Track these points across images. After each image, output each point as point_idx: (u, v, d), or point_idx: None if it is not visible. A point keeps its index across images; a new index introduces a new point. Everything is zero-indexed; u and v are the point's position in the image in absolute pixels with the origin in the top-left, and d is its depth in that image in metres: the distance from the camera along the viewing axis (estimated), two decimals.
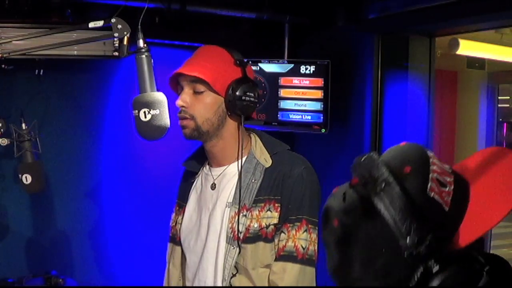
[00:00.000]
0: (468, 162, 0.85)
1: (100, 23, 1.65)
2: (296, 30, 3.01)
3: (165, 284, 1.80)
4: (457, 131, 4.76)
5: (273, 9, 2.81)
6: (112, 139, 2.85)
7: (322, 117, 2.81)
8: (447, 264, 0.68)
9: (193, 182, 1.71)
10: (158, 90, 1.56)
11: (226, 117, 1.56)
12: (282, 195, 1.51)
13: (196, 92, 1.55)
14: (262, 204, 1.52)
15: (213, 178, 1.63)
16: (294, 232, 1.49)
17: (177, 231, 1.72)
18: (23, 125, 2.11)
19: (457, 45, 3.79)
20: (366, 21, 2.69)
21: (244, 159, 1.58)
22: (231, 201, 1.55)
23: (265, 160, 1.57)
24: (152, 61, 1.59)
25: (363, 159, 0.78)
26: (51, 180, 2.61)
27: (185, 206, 1.69)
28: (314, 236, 1.52)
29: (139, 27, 1.58)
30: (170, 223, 1.78)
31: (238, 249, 1.51)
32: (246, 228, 1.51)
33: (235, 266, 1.52)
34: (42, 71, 2.45)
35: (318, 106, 2.82)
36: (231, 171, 1.59)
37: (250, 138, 1.63)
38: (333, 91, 2.79)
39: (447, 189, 0.74)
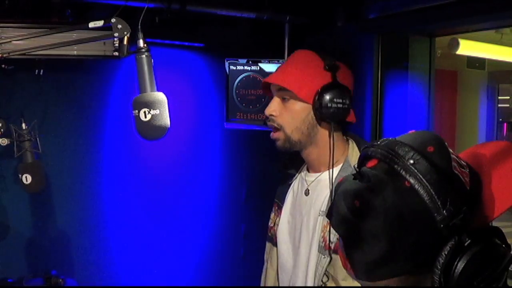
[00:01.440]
0: (479, 150, 0.86)
1: (100, 23, 1.66)
2: (296, 30, 3.01)
3: (262, 283, 1.78)
4: (457, 131, 4.76)
5: (273, 9, 2.81)
6: (112, 139, 2.85)
7: None
8: (477, 239, 0.69)
9: (291, 184, 1.69)
10: (158, 90, 1.56)
11: (317, 125, 1.53)
12: None
13: (284, 100, 1.53)
14: None
15: (307, 184, 1.60)
16: None
17: (275, 232, 1.69)
18: (23, 125, 2.11)
19: (457, 45, 3.79)
20: (366, 21, 2.69)
21: (340, 166, 1.54)
22: (324, 209, 1.52)
23: None
24: (152, 61, 1.59)
25: (380, 142, 0.78)
26: (51, 180, 2.61)
27: (283, 207, 1.67)
28: None
29: (139, 27, 1.58)
30: (269, 223, 1.75)
31: (329, 258, 1.47)
32: (337, 239, 1.47)
33: (326, 275, 1.49)
34: (42, 71, 2.44)
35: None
36: (326, 178, 1.54)
37: (348, 144, 1.59)
38: None
39: (465, 170, 0.75)
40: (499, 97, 5.14)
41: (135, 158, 2.92)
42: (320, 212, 1.53)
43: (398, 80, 2.79)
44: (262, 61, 2.92)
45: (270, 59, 2.91)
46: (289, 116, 1.52)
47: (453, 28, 2.90)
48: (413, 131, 0.82)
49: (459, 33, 3.41)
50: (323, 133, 1.54)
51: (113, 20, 1.61)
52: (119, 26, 1.61)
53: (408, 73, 2.78)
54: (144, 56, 1.56)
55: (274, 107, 1.54)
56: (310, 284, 1.52)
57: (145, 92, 1.54)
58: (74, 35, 2.06)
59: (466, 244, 0.68)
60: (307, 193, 1.59)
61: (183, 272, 3.07)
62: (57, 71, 2.59)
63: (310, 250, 1.54)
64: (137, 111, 1.52)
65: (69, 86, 2.72)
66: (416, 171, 0.71)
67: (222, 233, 3.16)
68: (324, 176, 1.56)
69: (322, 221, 1.51)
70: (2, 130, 2.05)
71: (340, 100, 1.50)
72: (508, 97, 5.30)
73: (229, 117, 2.82)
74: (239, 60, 2.80)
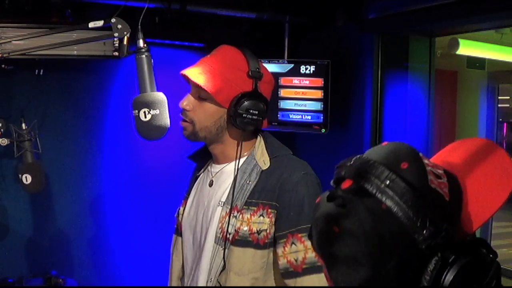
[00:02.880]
0: (450, 154, 0.85)
1: (100, 23, 1.66)
2: (296, 30, 3.01)
3: (169, 275, 1.78)
4: (457, 131, 4.76)
5: (273, 9, 2.81)
6: (112, 139, 2.85)
7: (322, 117, 2.81)
8: (461, 254, 0.68)
9: (198, 177, 1.70)
10: (158, 90, 1.56)
11: (226, 128, 1.53)
12: (280, 201, 1.46)
13: (200, 98, 1.53)
14: (255, 208, 1.48)
15: (212, 175, 1.62)
16: (287, 248, 1.44)
17: (180, 223, 1.71)
18: (23, 125, 2.12)
19: (457, 45, 3.79)
20: (366, 21, 2.69)
21: (244, 159, 1.55)
22: (224, 200, 1.53)
23: (264, 162, 1.52)
24: (152, 61, 1.59)
25: (351, 162, 0.77)
26: (51, 180, 2.61)
27: (188, 198, 1.69)
28: (308, 243, 1.43)
29: (139, 27, 1.58)
30: (175, 214, 1.75)
31: (224, 249, 1.47)
32: (235, 230, 1.47)
33: (222, 267, 1.48)
34: (42, 71, 2.45)
35: (318, 106, 2.82)
36: (229, 170, 1.56)
37: (256, 139, 1.60)
38: (333, 91, 2.79)
39: (442, 180, 0.74)
40: (499, 97, 5.14)
41: (135, 158, 2.92)
42: (220, 202, 1.53)
43: (398, 80, 2.79)
44: (262, 61, 2.91)
45: (270, 59, 2.91)
46: (202, 115, 1.52)
47: (453, 28, 2.90)
48: (386, 143, 0.80)
49: (459, 33, 3.41)
50: (230, 134, 1.56)
51: (113, 20, 1.61)
52: (119, 26, 1.61)
53: (408, 73, 2.78)
54: (144, 56, 1.56)
55: (188, 102, 1.54)
56: (204, 275, 1.51)
57: (145, 92, 1.54)
58: (74, 35, 2.06)
59: (450, 260, 0.67)
60: (211, 184, 1.60)
61: None
62: (57, 71, 2.59)
63: (206, 240, 1.53)
64: (137, 111, 1.52)
65: (69, 86, 2.72)
66: (392, 193, 0.70)
67: None
68: (228, 168, 1.57)
69: (221, 211, 1.51)
70: (2, 130, 2.05)
71: (256, 112, 1.49)
72: (508, 97, 5.29)
73: None
74: None
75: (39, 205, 2.66)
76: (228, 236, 1.47)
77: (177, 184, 3.07)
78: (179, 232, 1.72)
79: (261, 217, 1.46)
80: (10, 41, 1.94)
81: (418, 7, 2.38)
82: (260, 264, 1.47)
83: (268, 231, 1.46)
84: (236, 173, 1.51)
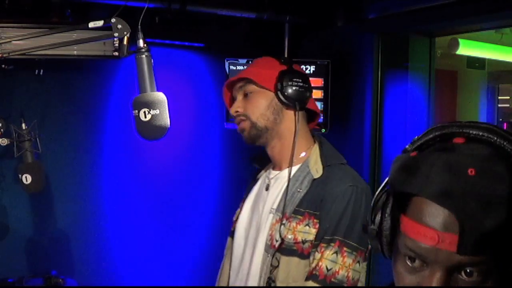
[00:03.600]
0: None
1: (100, 23, 1.65)
2: (296, 30, 3.01)
3: (218, 276, 1.78)
4: None
5: (273, 9, 2.81)
6: (112, 139, 2.85)
7: (322, 117, 2.81)
8: None
9: (257, 180, 1.70)
10: (158, 90, 1.56)
11: (282, 109, 1.55)
12: (322, 211, 1.44)
13: (246, 95, 1.57)
14: (301, 217, 1.46)
15: (268, 179, 1.62)
16: (326, 252, 1.41)
17: (235, 226, 1.70)
18: (23, 125, 2.11)
19: (457, 45, 3.79)
20: (366, 21, 2.69)
21: (298, 166, 1.54)
22: (275, 207, 1.53)
23: (316, 170, 1.50)
24: (152, 61, 1.59)
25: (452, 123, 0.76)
26: (51, 180, 2.61)
27: (245, 202, 1.69)
28: (348, 261, 1.40)
29: (139, 27, 1.58)
30: (233, 217, 1.75)
31: (272, 257, 1.47)
32: (282, 238, 1.46)
33: (271, 276, 1.48)
34: (42, 71, 2.45)
35: (318, 106, 2.82)
36: (284, 175, 1.55)
37: (314, 145, 1.59)
38: (333, 91, 2.79)
39: None
40: (499, 97, 5.14)
41: (135, 158, 2.92)
42: (271, 210, 1.53)
43: (398, 80, 2.79)
44: None
45: None
46: (253, 106, 1.56)
47: (453, 28, 2.90)
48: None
49: (459, 33, 3.41)
50: (287, 122, 1.56)
51: (113, 20, 1.61)
52: (119, 26, 1.61)
53: (408, 73, 2.78)
54: (144, 56, 1.56)
55: (238, 104, 1.59)
56: (254, 282, 1.50)
57: (145, 92, 1.54)
58: (74, 35, 2.06)
59: None
60: (267, 188, 1.61)
61: (183, 272, 3.07)
62: (57, 71, 2.59)
63: (255, 246, 1.54)
64: (137, 111, 1.52)
65: (69, 86, 2.72)
66: None
67: (222, 233, 3.15)
68: (284, 173, 1.57)
69: (272, 218, 1.51)
70: (2, 130, 2.05)
71: (299, 80, 1.53)
72: (508, 97, 5.30)
73: (229, 117, 2.82)
74: (239, 60, 2.80)
75: (39, 205, 2.66)
76: (275, 244, 1.47)
77: (178, 184, 3.08)
78: (233, 235, 1.71)
79: (307, 227, 1.45)
80: (10, 41, 1.93)
81: (418, 7, 2.38)
82: (303, 273, 1.45)
83: (312, 241, 1.44)
84: (289, 176, 1.51)
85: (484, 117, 4.92)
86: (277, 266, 1.46)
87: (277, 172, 1.59)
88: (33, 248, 2.66)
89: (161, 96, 1.55)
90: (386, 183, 0.82)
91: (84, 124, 2.78)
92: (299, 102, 1.53)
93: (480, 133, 0.73)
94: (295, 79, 1.52)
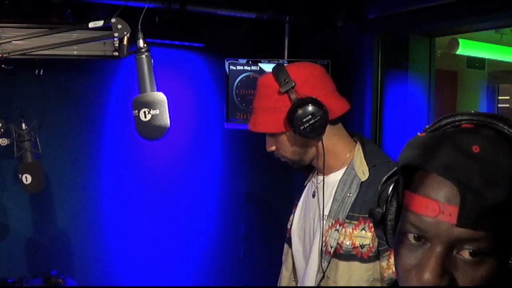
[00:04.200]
0: None
1: (100, 23, 1.66)
2: (296, 30, 3.01)
3: (277, 284, 1.79)
4: None
5: (273, 9, 2.81)
6: (112, 139, 2.85)
7: None
8: None
9: (306, 186, 1.71)
10: (158, 90, 1.56)
11: (306, 141, 1.54)
12: None
13: (272, 135, 1.58)
14: (356, 222, 1.46)
15: (314, 186, 1.62)
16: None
17: (290, 233, 1.71)
18: (23, 125, 2.11)
19: (457, 45, 3.79)
20: (366, 21, 2.69)
21: (344, 169, 1.54)
22: (326, 213, 1.53)
23: (363, 172, 1.50)
24: (152, 61, 1.59)
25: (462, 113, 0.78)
26: (51, 180, 2.61)
27: (296, 209, 1.70)
28: None
29: (139, 27, 1.58)
30: (288, 224, 1.76)
31: (327, 263, 1.48)
32: (338, 244, 1.46)
33: (326, 278, 1.49)
34: (42, 71, 2.45)
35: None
36: (331, 180, 1.56)
37: (356, 145, 1.58)
38: None
39: None
40: (499, 97, 5.14)
41: (135, 158, 2.92)
42: (324, 216, 1.53)
43: (398, 80, 2.79)
44: (262, 61, 2.92)
45: (270, 59, 2.91)
46: (282, 146, 1.57)
47: (453, 28, 2.90)
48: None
49: (459, 33, 3.41)
50: (316, 144, 1.56)
51: (113, 20, 1.61)
52: (119, 26, 1.61)
53: (408, 73, 2.78)
54: (144, 56, 1.56)
55: (269, 145, 1.60)
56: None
57: (145, 92, 1.54)
58: (74, 35, 2.06)
59: None
60: (313, 195, 1.61)
61: (183, 272, 3.07)
62: (57, 71, 2.59)
63: (311, 253, 1.55)
64: (137, 111, 1.52)
65: (69, 86, 2.72)
66: None
67: (222, 233, 3.16)
68: (330, 178, 1.56)
69: (324, 224, 1.52)
70: (2, 130, 2.05)
71: (309, 116, 1.47)
72: (508, 97, 5.30)
73: (229, 117, 2.82)
74: (239, 60, 2.80)
75: (39, 205, 2.66)
76: (330, 250, 1.47)
77: (177, 184, 3.08)
78: (290, 243, 1.72)
79: (363, 231, 1.45)
80: (10, 41, 1.93)
81: (418, 7, 2.38)
82: (366, 277, 1.45)
83: (371, 245, 1.44)
84: (323, 183, 1.53)
85: None
86: (334, 271, 1.47)
87: (323, 177, 1.58)
88: (33, 248, 2.66)
89: (161, 96, 1.55)
90: (394, 171, 0.84)
91: (84, 124, 2.78)
92: (318, 133, 1.51)
93: (488, 120, 0.75)
94: (304, 119, 1.47)
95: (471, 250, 0.70)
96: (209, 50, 3.02)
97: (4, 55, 1.81)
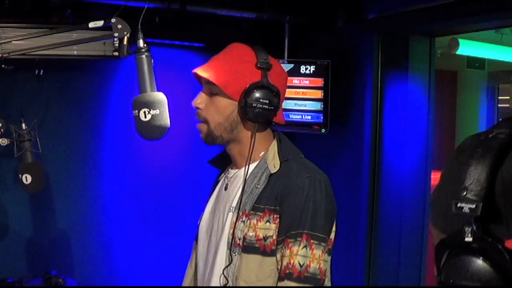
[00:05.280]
0: None
1: (100, 23, 1.66)
2: (296, 30, 3.01)
3: (183, 280, 1.77)
4: (457, 131, 4.76)
5: (273, 9, 2.81)
6: (112, 139, 2.85)
7: (322, 117, 2.81)
8: None
9: (219, 182, 1.68)
10: (158, 90, 1.56)
11: (240, 123, 1.51)
12: (282, 206, 1.42)
13: (211, 94, 1.52)
14: (262, 214, 1.44)
15: (227, 179, 1.60)
16: (295, 248, 1.38)
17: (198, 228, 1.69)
18: (23, 125, 2.11)
19: (457, 45, 3.79)
20: (366, 21, 2.69)
21: (256, 163, 1.52)
22: (234, 205, 1.50)
23: (274, 165, 1.48)
24: (152, 61, 1.59)
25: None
26: (51, 180, 2.61)
27: (207, 203, 1.67)
28: (318, 252, 1.38)
29: (139, 27, 1.58)
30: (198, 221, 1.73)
31: (237, 256, 1.45)
32: (243, 236, 1.44)
33: (232, 274, 1.45)
34: (42, 71, 2.45)
35: (318, 106, 2.82)
36: (242, 174, 1.53)
37: (273, 141, 1.56)
38: (333, 91, 2.79)
39: None
40: (499, 97, 5.15)
41: (135, 158, 2.92)
42: (231, 208, 1.51)
43: (398, 80, 2.79)
44: None
45: None
46: (214, 111, 1.51)
47: (453, 28, 2.90)
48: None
49: (459, 33, 3.41)
50: (246, 131, 1.52)
51: (113, 20, 1.61)
52: (119, 26, 1.61)
53: (408, 73, 2.78)
54: (144, 56, 1.56)
55: (200, 100, 1.53)
56: (216, 281, 1.47)
57: (145, 92, 1.54)
58: (74, 35, 2.06)
59: None
60: (226, 187, 1.58)
61: (183, 272, 3.06)
62: (57, 71, 2.59)
63: (218, 247, 1.51)
64: (137, 111, 1.52)
65: (69, 86, 2.72)
66: None
67: None
68: (242, 172, 1.54)
69: (232, 216, 1.49)
70: (2, 130, 2.05)
71: (267, 101, 1.46)
72: (508, 97, 5.30)
73: None
74: None
75: (39, 205, 2.66)
76: (238, 242, 1.44)
77: (177, 184, 3.08)
78: (197, 238, 1.70)
79: (268, 223, 1.43)
80: (10, 41, 1.94)
81: (418, 7, 2.38)
82: (267, 272, 1.42)
83: (274, 237, 1.42)
84: (246, 173, 1.48)
85: (484, 117, 4.93)
86: (240, 265, 1.43)
87: (236, 170, 1.57)
88: (33, 248, 2.66)
89: (161, 96, 1.55)
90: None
91: (84, 124, 2.78)
92: (261, 121, 1.49)
93: None
94: (263, 99, 1.45)
95: None
96: (209, 50, 3.01)
97: (4, 55, 1.81)
